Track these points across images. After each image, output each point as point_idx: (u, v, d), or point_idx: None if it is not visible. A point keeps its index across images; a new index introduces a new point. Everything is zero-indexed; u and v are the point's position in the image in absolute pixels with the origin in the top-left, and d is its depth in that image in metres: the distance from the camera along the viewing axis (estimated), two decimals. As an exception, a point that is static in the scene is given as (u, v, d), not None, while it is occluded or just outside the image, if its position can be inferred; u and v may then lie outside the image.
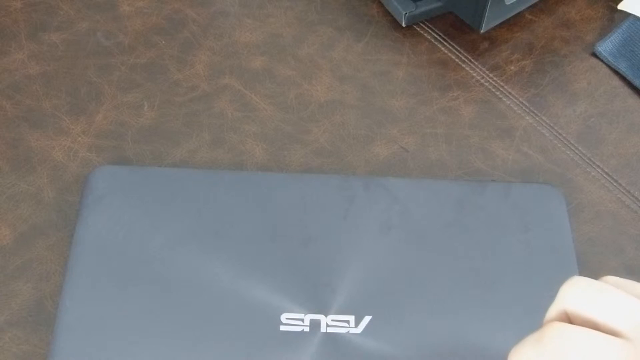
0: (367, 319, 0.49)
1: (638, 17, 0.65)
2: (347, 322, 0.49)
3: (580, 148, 0.61)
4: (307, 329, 0.48)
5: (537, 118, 0.62)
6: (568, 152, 0.61)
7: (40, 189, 0.56)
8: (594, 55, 0.66)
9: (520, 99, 0.63)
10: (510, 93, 0.64)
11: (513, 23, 0.68)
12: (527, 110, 0.63)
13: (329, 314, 0.49)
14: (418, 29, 0.67)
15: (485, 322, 0.50)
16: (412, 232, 0.53)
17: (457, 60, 0.65)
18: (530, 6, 0.67)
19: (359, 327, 0.49)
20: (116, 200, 0.53)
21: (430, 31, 0.67)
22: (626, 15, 0.66)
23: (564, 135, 0.61)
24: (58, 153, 0.58)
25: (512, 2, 0.63)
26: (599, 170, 0.60)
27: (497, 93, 0.64)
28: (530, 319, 0.49)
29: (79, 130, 0.59)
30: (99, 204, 0.52)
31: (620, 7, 0.67)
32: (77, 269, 0.50)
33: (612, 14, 0.69)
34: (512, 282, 0.51)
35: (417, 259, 0.52)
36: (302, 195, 0.54)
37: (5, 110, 0.60)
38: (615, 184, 0.59)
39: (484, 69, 0.65)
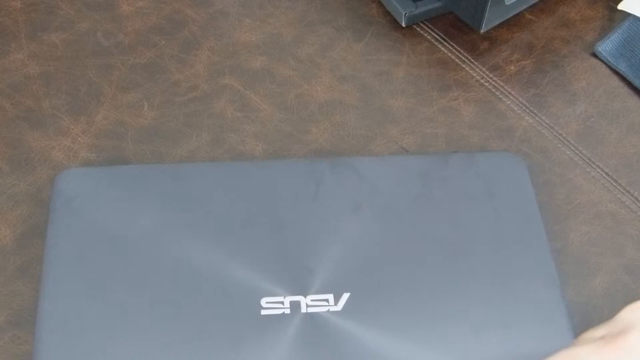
0: (345, 296, 0.50)
1: (638, 17, 0.65)
2: (327, 300, 0.50)
3: (580, 148, 0.61)
4: (287, 311, 0.49)
5: (537, 118, 0.62)
6: (568, 152, 0.61)
7: (40, 189, 0.56)
8: (594, 55, 0.66)
9: (520, 99, 0.63)
10: (510, 93, 0.64)
11: (513, 23, 0.68)
12: (527, 110, 0.63)
13: (308, 295, 0.50)
14: (418, 29, 0.67)
15: (461, 290, 0.51)
16: (382, 208, 0.54)
17: (457, 60, 0.65)
18: (530, 6, 0.67)
19: (338, 304, 0.49)
20: (85, 201, 0.53)
21: (430, 31, 0.67)
22: (626, 15, 0.66)
23: (564, 135, 0.62)
24: (58, 153, 0.58)
25: (512, 2, 0.63)
26: (599, 170, 0.60)
27: (497, 93, 0.64)
28: (504, 282, 0.51)
29: (79, 130, 0.59)
30: (68, 207, 0.52)
31: (620, 7, 0.67)
32: (53, 272, 0.50)
33: (612, 14, 0.69)
34: (483, 248, 0.52)
35: (388, 234, 0.53)
36: (272, 181, 0.55)
37: (5, 110, 0.60)
38: (615, 184, 0.59)
39: (484, 69, 0.65)
